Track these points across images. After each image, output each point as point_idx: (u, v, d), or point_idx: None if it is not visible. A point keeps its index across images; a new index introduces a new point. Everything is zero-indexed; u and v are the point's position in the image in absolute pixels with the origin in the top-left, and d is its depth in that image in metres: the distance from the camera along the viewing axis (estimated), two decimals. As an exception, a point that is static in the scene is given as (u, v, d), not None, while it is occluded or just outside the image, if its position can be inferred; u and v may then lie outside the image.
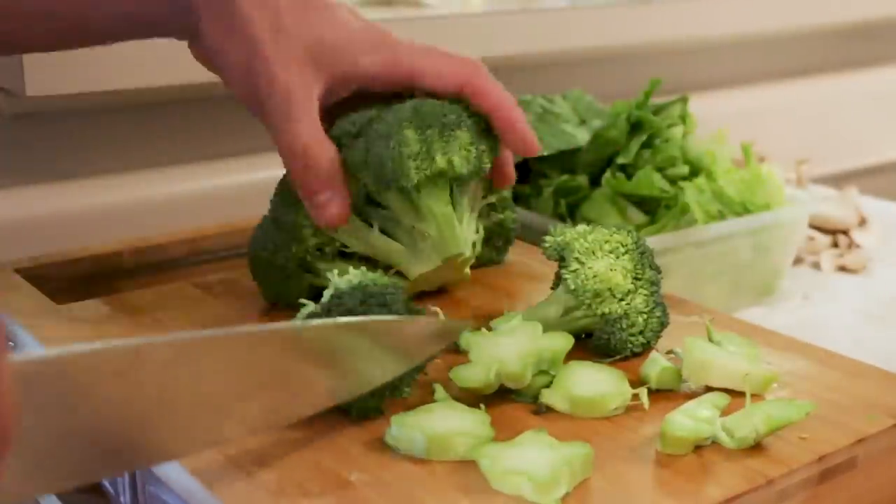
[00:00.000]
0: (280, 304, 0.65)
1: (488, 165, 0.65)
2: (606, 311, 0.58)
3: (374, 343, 0.49)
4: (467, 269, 0.67)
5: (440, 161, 0.62)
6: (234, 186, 0.97)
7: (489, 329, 0.59)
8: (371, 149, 0.63)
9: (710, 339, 0.57)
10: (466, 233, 0.65)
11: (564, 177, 0.84)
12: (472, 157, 0.63)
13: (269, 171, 0.98)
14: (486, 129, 0.65)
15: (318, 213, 0.62)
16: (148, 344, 0.39)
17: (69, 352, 0.37)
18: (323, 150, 0.61)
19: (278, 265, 0.64)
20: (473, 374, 0.53)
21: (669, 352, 0.58)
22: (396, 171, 0.62)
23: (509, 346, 0.54)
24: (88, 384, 0.38)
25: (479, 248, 0.68)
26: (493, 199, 0.70)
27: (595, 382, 0.53)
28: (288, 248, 0.64)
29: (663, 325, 0.59)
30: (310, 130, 0.61)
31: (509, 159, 0.68)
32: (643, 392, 0.53)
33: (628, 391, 0.53)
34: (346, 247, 0.65)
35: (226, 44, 0.61)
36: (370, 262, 0.64)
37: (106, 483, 0.58)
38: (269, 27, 0.60)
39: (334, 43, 0.62)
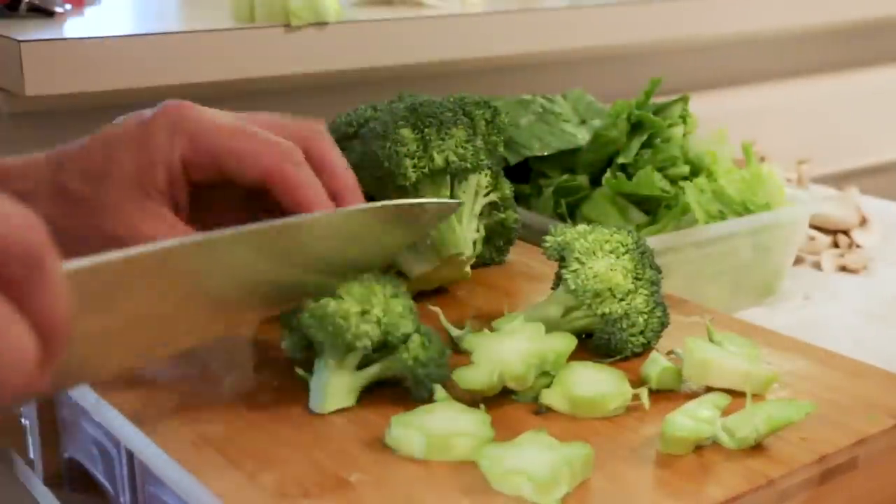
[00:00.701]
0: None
1: (486, 162, 0.65)
2: (607, 311, 0.57)
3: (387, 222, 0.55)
4: (468, 269, 0.67)
5: (438, 159, 0.62)
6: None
7: (491, 329, 0.58)
8: (367, 148, 0.62)
9: (711, 340, 0.57)
10: (466, 232, 0.65)
11: (565, 177, 0.84)
12: (469, 155, 0.64)
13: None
14: (485, 125, 0.65)
15: None
16: (178, 245, 0.45)
17: (107, 258, 0.42)
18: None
19: None
20: (476, 376, 0.53)
21: (670, 352, 0.58)
22: (393, 170, 0.62)
23: (512, 348, 0.54)
24: (124, 285, 0.43)
25: (479, 247, 0.68)
26: (494, 197, 0.70)
27: (595, 382, 0.53)
28: None
29: (664, 325, 0.59)
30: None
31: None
32: (643, 392, 0.53)
33: (629, 391, 0.53)
34: None
35: None
36: None
37: (106, 483, 0.58)
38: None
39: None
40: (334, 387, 0.53)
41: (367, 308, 0.52)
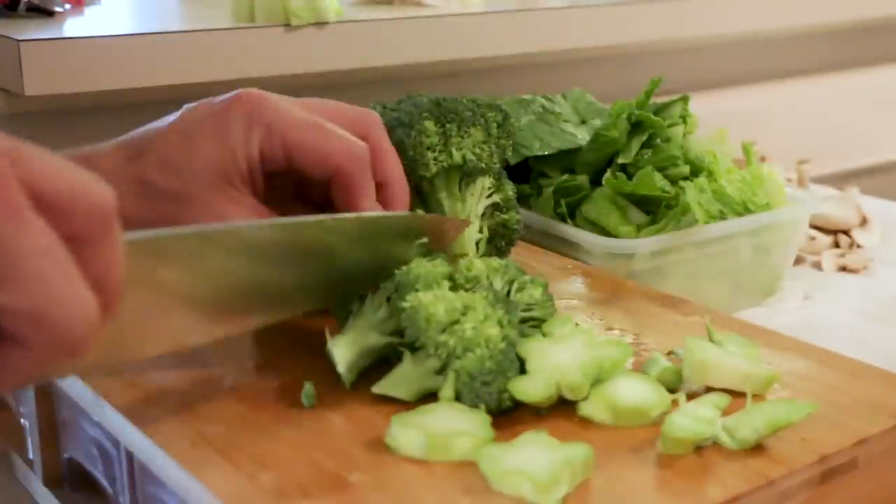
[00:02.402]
0: None
1: (497, 166, 0.66)
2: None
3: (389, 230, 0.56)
4: None
5: (456, 155, 0.63)
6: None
7: (543, 335, 0.56)
8: (391, 135, 0.63)
9: (711, 340, 0.57)
10: (471, 232, 0.65)
11: (565, 176, 0.84)
12: (484, 155, 0.65)
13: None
14: (496, 128, 0.66)
15: None
16: (220, 230, 0.48)
17: (157, 234, 0.44)
18: None
19: None
20: (534, 388, 0.51)
21: (670, 352, 0.57)
22: (417, 160, 0.62)
23: (567, 355, 0.53)
24: (175, 261, 0.45)
25: (482, 248, 0.68)
26: (497, 199, 0.70)
27: (634, 391, 0.52)
28: None
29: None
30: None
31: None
32: (682, 397, 0.52)
33: (668, 397, 0.53)
34: None
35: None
36: None
37: (105, 483, 0.58)
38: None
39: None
40: (399, 375, 0.53)
41: (457, 318, 0.52)
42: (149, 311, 0.46)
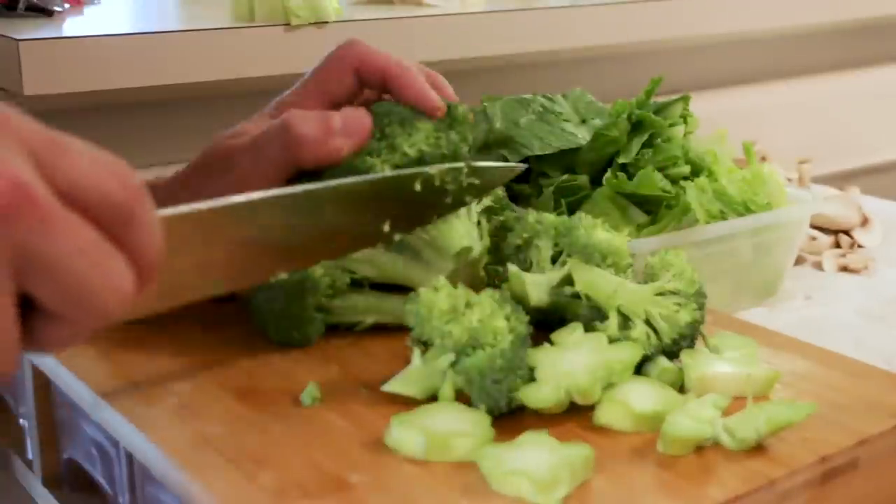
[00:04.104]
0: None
1: (466, 149, 0.64)
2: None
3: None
4: (482, 272, 0.65)
5: (410, 151, 0.61)
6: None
7: (551, 343, 0.56)
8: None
9: (707, 345, 0.57)
10: (467, 226, 0.65)
11: (565, 176, 0.83)
12: (443, 143, 0.63)
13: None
14: (450, 125, 0.64)
15: None
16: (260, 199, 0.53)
17: (197, 207, 0.49)
18: None
19: (293, 314, 0.61)
20: (544, 395, 0.51)
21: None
22: (360, 168, 0.61)
23: (576, 361, 0.52)
24: (214, 230, 0.50)
25: (486, 256, 0.67)
26: (488, 202, 0.69)
27: (649, 396, 0.52)
28: (301, 298, 0.60)
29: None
30: None
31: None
32: (691, 398, 0.52)
33: (679, 398, 0.52)
34: (354, 273, 0.62)
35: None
36: (383, 287, 0.63)
37: (105, 483, 0.58)
38: None
39: None
40: (409, 373, 0.53)
41: (459, 309, 0.53)
42: (192, 267, 0.50)
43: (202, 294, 0.52)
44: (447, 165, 0.59)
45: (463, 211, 0.65)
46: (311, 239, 0.55)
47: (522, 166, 0.66)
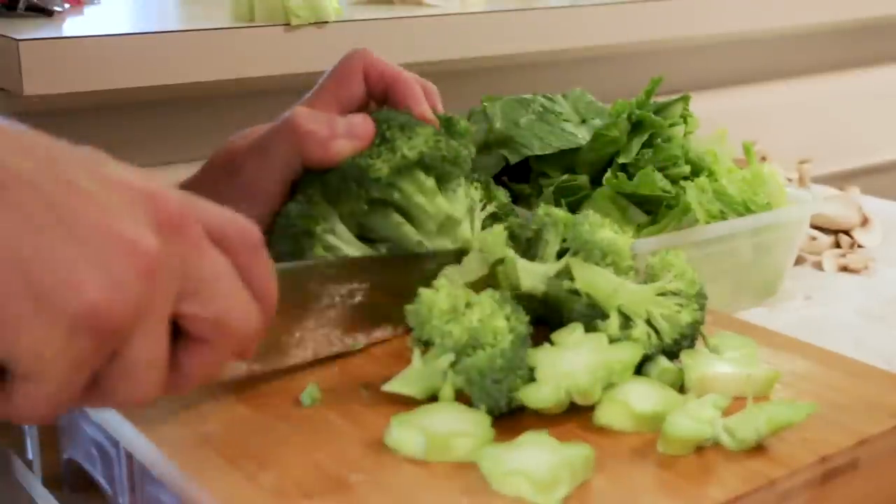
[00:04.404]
0: None
1: (467, 156, 0.65)
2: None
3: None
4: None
5: (410, 154, 0.62)
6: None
7: (551, 343, 0.56)
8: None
9: (706, 345, 0.57)
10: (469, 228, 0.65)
11: (565, 176, 0.83)
12: (442, 146, 0.63)
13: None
14: (445, 128, 0.65)
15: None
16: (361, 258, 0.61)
17: (298, 265, 0.59)
18: None
19: None
20: (544, 395, 0.51)
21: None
22: (363, 168, 0.61)
23: (576, 360, 0.52)
24: (314, 290, 0.57)
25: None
26: (492, 209, 0.69)
27: (649, 396, 0.52)
28: None
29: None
30: None
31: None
32: (692, 398, 0.52)
33: (679, 398, 0.52)
34: None
35: None
36: None
37: (105, 484, 0.58)
38: None
39: None
40: (409, 373, 0.53)
41: (459, 309, 0.53)
42: (287, 326, 0.56)
43: (291, 360, 0.57)
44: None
45: (468, 215, 0.65)
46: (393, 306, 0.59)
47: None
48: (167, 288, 0.41)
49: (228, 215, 0.45)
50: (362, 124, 0.63)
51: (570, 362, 0.52)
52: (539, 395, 0.51)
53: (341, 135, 0.62)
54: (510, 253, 0.60)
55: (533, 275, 0.59)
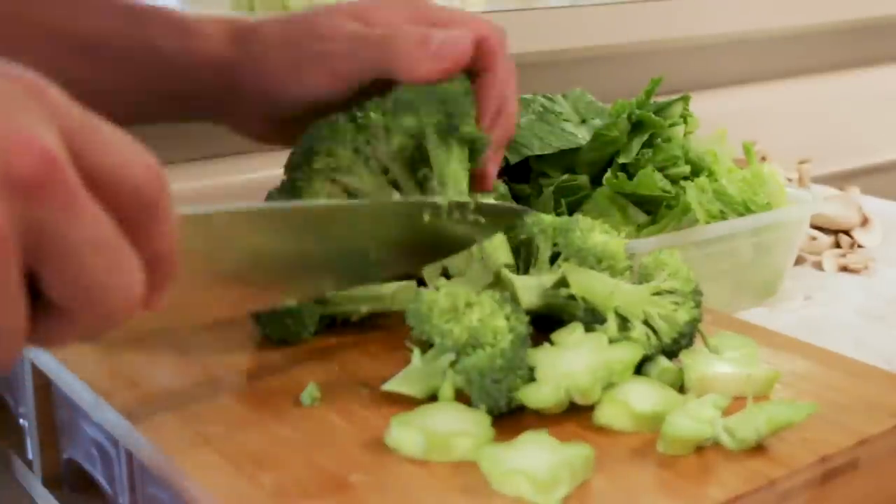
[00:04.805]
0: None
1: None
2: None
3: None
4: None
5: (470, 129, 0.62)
6: (233, 186, 0.97)
7: (551, 343, 0.56)
8: (432, 92, 0.62)
9: (706, 345, 0.57)
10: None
11: (565, 176, 0.84)
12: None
13: (268, 170, 0.98)
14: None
15: None
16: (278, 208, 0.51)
17: (216, 209, 0.46)
18: None
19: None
20: (543, 395, 0.51)
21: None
22: (465, 111, 0.61)
23: (576, 360, 0.52)
24: (228, 236, 0.48)
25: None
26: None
27: (649, 396, 0.52)
28: None
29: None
30: None
31: (489, 161, 0.65)
32: (692, 398, 0.52)
33: (679, 398, 0.52)
34: None
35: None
36: None
37: (105, 483, 0.58)
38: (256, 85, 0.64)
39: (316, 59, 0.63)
40: (409, 373, 0.53)
41: (459, 309, 0.53)
42: (199, 280, 0.48)
43: (207, 316, 0.51)
44: (455, 199, 0.58)
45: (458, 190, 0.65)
46: (318, 262, 0.54)
47: (530, 210, 0.63)
48: (12, 260, 0.34)
49: (126, 157, 0.36)
50: (456, 45, 0.61)
51: (570, 362, 0.52)
52: (539, 396, 0.51)
53: (433, 55, 0.61)
54: (505, 272, 0.60)
55: (530, 290, 0.59)
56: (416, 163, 0.64)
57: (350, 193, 0.63)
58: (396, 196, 0.63)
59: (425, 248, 0.58)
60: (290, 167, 0.64)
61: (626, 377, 0.52)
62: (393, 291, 0.62)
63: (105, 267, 0.35)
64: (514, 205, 0.64)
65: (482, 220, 0.59)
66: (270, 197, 0.65)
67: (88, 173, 0.35)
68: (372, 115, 0.63)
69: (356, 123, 0.63)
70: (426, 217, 0.56)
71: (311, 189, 0.63)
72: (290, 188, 0.63)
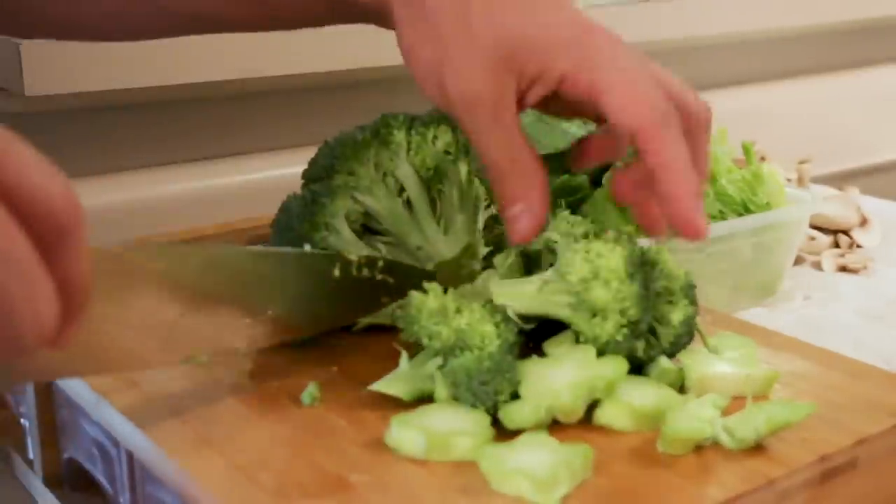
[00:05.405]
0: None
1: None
2: (590, 297, 0.54)
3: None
4: (476, 274, 0.65)
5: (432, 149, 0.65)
6: (233, 186, 0.97)
7: (542, 353, 0.55)
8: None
9: (706, 345, 0.57)
10: (471, 228, 0.65)
11: (565, 176, 0.84)
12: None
13: (268, 170, 0.98)
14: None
15: (507, 228, 0.56)
16: (192, 247, 0.50)
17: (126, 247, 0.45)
18: (513, 164, 0.55)
19: None
20: (523, 414, 0.50)
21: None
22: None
23: (560, 377, 0.52)
24: (138, 277, 0.46)
25: (482, 262, 0.67)
26: (495, 210, 0.69)
27: (649, 395, 0.52)
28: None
29: (652, 347, 0.55)
30: (498, 143, 0.55)
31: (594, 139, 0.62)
32: (691, 398, 0.52)
33: (679, 398, 0.52)
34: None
35: (414, 39, 0.56)
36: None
37: (105, 483, 0.58)
38: (458, 24, 0.54)
39: (526, 42, 0.55)
40: (396, 375, 0.53)
41: (448, 312, 0.53)
42: (112, 324, 0.45)
43: (122, 365, 0.49)
44: (365, 254, 0.58)
45: (469, 213, 0.65)
46: (234, 309, 0.53)
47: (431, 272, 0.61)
48: None
49: (42, 181, 0.35)
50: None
51: (553, 379, 0.51)
52: (518, 416, 0.50)
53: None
54: (488, 275, 0.60)
55: (512, 296, 0.57)
56: (433, 183, 0.65)
57: (367, 215, 0.64)
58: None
59: (331, 306, 0.58)
60: (308, 178, 0.65)
61: (611, 393, 0.51)
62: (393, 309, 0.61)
63: (15, 287, 0.34)
64: (424, 268, 0.62)
65: (390, 280, 0.59)
66: (289, 201, 0.65)
67: (4, 192, 0.34)
68: (395, 132, 0.64)
69: (379, 139, 0.64)
70: (336, 272, 0.56)
71: (333, 206, 0.63)
72: (310, 201, 0.64)
